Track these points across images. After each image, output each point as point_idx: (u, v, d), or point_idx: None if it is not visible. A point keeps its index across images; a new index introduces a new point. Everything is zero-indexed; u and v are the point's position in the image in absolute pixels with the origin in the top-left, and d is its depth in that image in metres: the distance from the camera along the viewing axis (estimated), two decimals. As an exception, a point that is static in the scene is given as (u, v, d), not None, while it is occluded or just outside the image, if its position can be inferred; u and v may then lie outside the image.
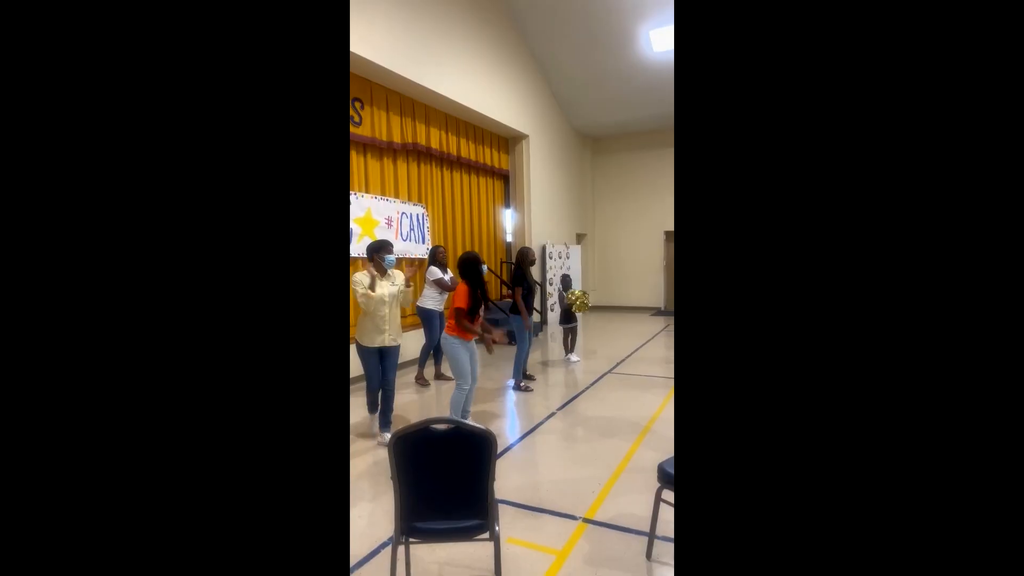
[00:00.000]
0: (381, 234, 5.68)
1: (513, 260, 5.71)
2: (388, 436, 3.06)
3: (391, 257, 3.26)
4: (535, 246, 8.44)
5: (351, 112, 5.23)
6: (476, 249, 7.58)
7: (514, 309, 4.67)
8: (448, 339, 3.27)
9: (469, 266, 3.27)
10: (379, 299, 3.20)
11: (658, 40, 7.57)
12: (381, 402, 3.42)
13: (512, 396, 4.53)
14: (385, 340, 3.29)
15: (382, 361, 3.37)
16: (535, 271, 6.37)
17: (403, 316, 3.73)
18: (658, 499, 2.00)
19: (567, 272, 8.66)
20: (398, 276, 3.37)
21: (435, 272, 4.75)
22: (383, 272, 3.24)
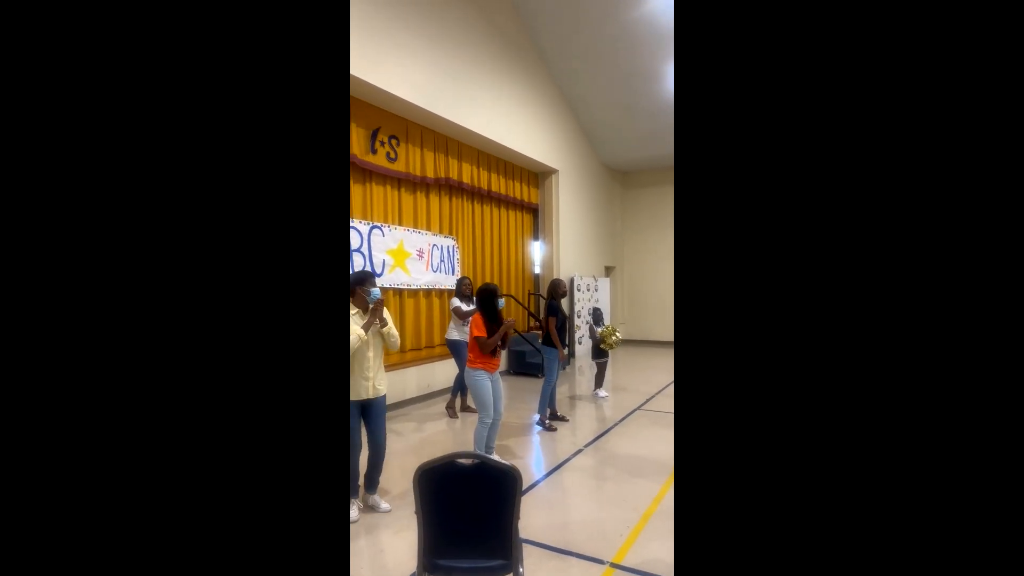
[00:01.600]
0: (413, 266, 5.79)
1: (542, 292, 5.72)
2: (377, 499, 2.84)
3: (376, 290, 2.71)
4: (563, 278, 8.43)
5: (387, 149, 5.44)
6: (504, 280, 7.64)
7: (547, 340, 4.63)
8: (471, 371, 3.27)
9: (485, 298, 3.32)
10: (364, 340, 2.67)
11: (687, 77, 7.67)
12: (368, 462, 2.82)
13: (538, 431, 4.45)
14: (370, 390, 2.70)
15: (367, 417, 2.74)
16: (564, 303, 6.35)
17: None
18: (690, 546, 1.91)
19: (597, 305, 8.59)
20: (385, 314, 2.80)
21: (454, 302, 4.83)
22: (366, 308, 2.72)
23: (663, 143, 9.48)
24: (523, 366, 7.07)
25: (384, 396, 2.81)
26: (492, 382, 3.30)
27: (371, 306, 2.70)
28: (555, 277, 5.91)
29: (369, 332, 2.70)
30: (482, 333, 3.22)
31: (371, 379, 2.72)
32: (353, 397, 2.67)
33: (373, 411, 2.76)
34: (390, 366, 5.11)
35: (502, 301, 3.41)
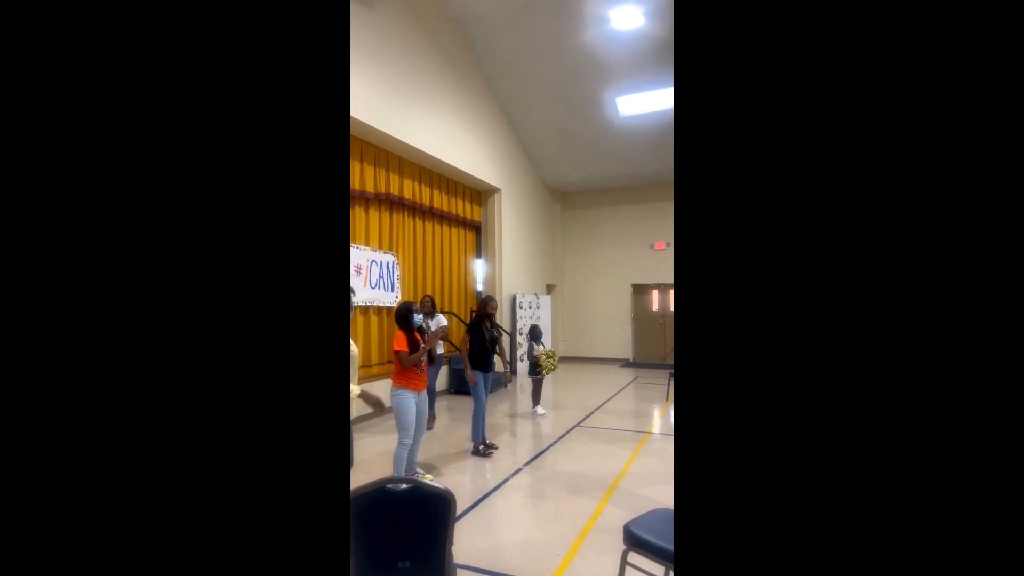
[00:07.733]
0: (350, 282, 5.62)
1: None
2: None
3: (440, 318, 3.03)
4: (506, 296, 8.48)
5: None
6: (446, 298, 7.58)
7: (472, 363, 4.36)
8: (396, 391, 3.17)
9: (400, 316, 3.23)
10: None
11: (624, 106, 8.04)
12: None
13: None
14: None
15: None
16: (507, 322, 6.28)
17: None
18: (624, 562, 1.93)
19: (536, 323, 8.69)
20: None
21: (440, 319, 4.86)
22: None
23: (602, 166, 9.86)
24: (464, 384, 6.99)
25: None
26: (417, 401, 3.21)
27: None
28: (490, 295, 5.91)
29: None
30: (404, 348, 3.14)
31: None
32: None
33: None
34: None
35: (419, 318, 3.30)
